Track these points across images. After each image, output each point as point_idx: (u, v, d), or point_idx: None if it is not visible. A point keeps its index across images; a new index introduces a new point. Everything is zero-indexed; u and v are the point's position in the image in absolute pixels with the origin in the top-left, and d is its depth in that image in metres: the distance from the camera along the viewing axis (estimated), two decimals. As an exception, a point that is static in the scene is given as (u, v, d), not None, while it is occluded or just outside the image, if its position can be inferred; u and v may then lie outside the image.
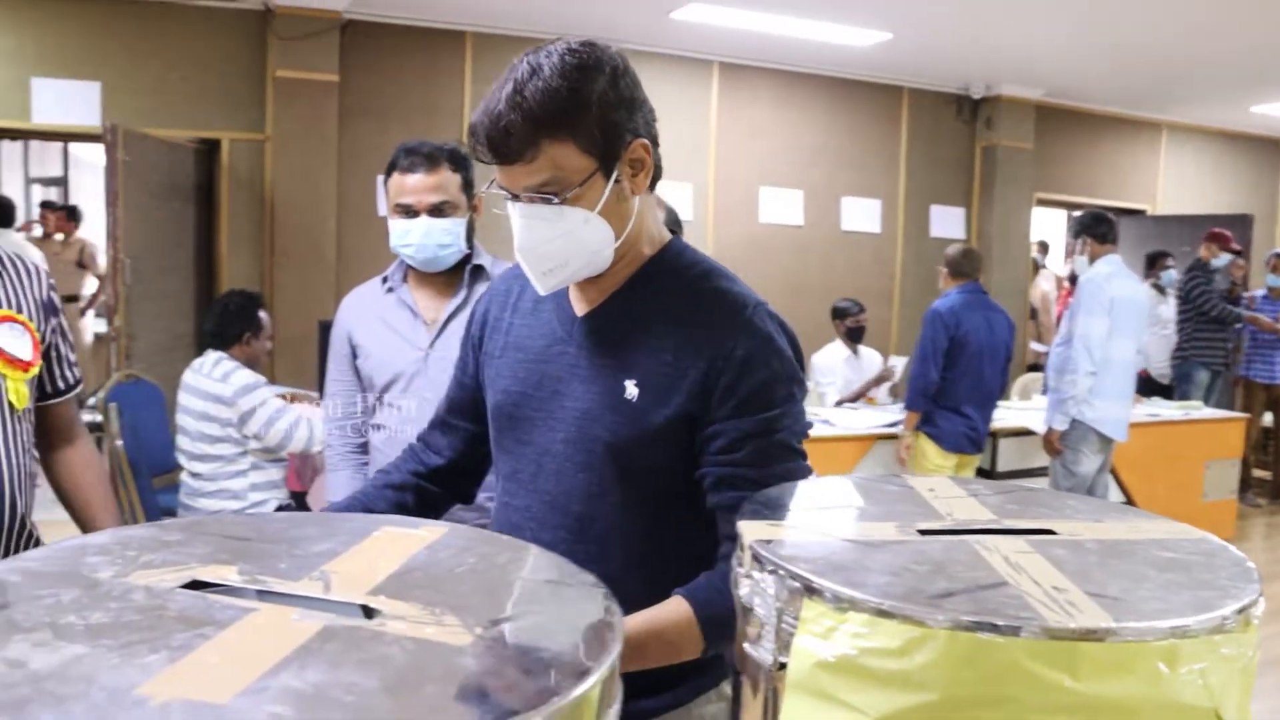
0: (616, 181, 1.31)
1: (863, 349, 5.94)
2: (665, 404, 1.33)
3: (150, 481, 4.27)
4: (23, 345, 1.83)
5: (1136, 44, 6.36)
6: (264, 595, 0.83)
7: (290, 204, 5.89)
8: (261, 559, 0.91)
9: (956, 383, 4.73)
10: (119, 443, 3.93)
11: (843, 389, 5.78)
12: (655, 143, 1.37)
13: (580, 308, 1.42)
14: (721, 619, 1.13)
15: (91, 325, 8.73)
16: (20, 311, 1.83)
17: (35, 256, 7.06)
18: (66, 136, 6.20)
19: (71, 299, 8.43)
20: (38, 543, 1.91)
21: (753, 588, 0.95)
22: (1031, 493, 1.22)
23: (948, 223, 7.95)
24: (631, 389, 1.35)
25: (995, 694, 0.80)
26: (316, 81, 5.84)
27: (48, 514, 1.99)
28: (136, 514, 3.93)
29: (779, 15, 5.95)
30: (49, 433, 1.96)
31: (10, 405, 1.78)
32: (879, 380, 5.81)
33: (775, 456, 1.33)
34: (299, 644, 0.72)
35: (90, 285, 8.59)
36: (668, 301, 1.38)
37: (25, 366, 1.82)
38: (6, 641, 0.71)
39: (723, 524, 1.33)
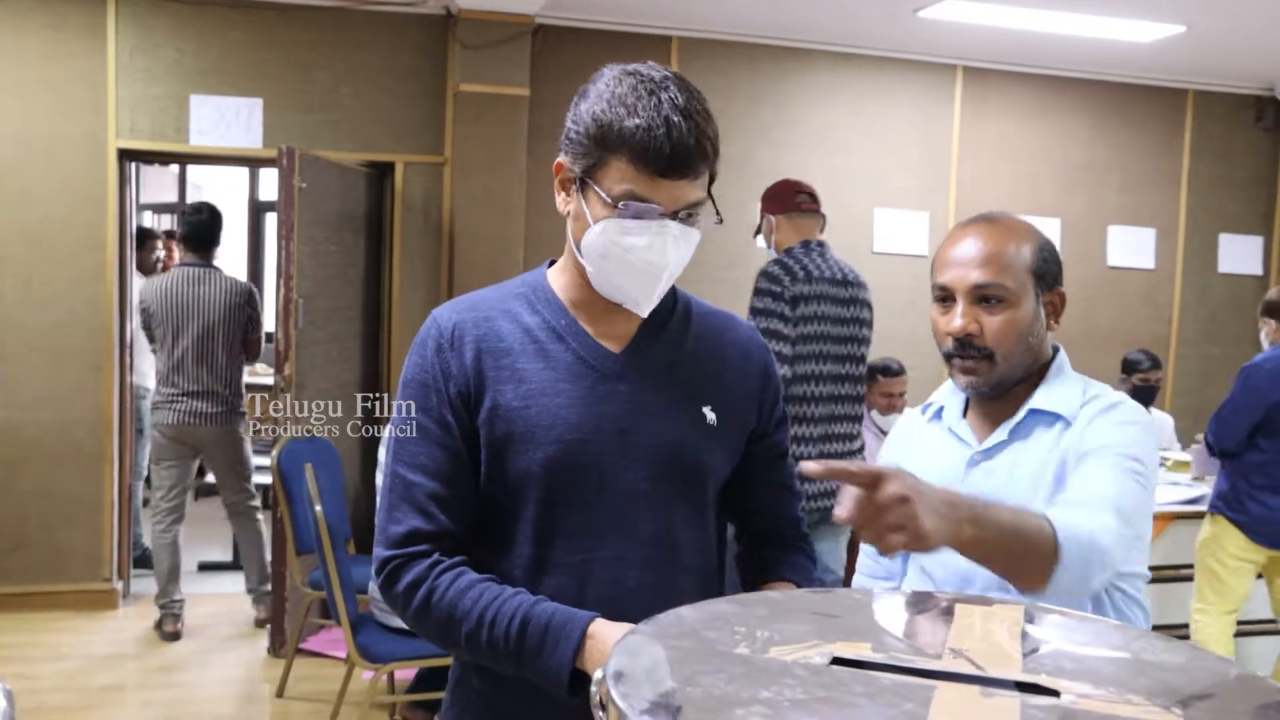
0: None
1: (1155, 412, 5.91)
2: (741, 423, 1.70)
3: (346, 549, 4.55)
4: None
5: None
6: (910, 671, 0.99)
7: (471, 235, 6.18)
8: (871, 634, 1.08)
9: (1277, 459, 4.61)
10: (318, 508, 4.19)
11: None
12: None
13: (612, 344, 1.62)
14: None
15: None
16: None
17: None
18: (226, 160, 6.63)
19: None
20: None
21: None
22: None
23: (1242, 255, 7.87)
24: (710, 415, 1.65)
25: None
26: (504, 96, 6.14)
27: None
28: (333, 583, 4.15)
29: (1047, 10, 6.00)
30: None
31: None
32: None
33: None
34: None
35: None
36: (694, 327, 1.68)
37: None
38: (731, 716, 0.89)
39: (791, 508, 1.81)
